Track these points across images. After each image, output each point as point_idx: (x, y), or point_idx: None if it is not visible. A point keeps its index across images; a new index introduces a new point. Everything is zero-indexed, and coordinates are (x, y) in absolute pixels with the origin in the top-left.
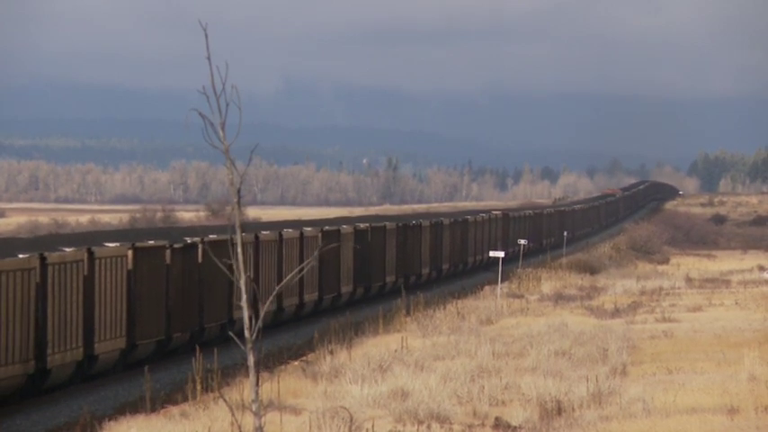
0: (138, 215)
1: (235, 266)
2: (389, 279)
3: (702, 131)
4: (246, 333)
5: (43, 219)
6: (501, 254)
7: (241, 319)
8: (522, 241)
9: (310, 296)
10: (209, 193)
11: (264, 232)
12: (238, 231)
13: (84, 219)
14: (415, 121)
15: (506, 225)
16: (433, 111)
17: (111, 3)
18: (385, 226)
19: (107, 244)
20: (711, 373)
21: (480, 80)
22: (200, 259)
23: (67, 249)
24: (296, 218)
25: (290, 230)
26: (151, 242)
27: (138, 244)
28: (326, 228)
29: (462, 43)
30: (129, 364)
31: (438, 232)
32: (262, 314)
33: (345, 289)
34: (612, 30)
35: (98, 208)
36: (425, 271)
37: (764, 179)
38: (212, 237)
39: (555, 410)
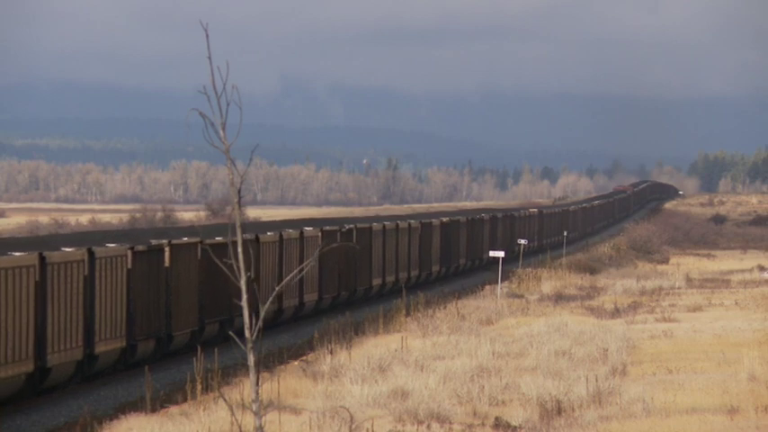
0: (138, 215)
1: (235, 266)
2: (462, 261)
3: (702, 131)
4: (247, 333)
5: (43, 219)
6: (501, 254)
7: (377, 285)
8: (522, 241)
9: (414, 272)
10: (209, 193)
11: (386, 222)
12: (238, 231)
13: (84, 219)
14: (414, 121)
15: (541, 220)
16: (432, 111)
17: (111, 2)
18: (459, 219)
19: (307, 228)
20: (711, 373)
21: (480, 80)
22: (354, 240)
23: (269, 233)
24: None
25: (403, 222)
26: (328, 227)
27: (326, 228)
28: (423, 220)
29: (462, 43)
30: (298, 318)
31: (494, 225)
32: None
33: (435, 268)
34: (612, 29)
35: (98, 208)
36: (485, 255)
37: (764, 179)
38: (360, 225)
39: (555, 410)
